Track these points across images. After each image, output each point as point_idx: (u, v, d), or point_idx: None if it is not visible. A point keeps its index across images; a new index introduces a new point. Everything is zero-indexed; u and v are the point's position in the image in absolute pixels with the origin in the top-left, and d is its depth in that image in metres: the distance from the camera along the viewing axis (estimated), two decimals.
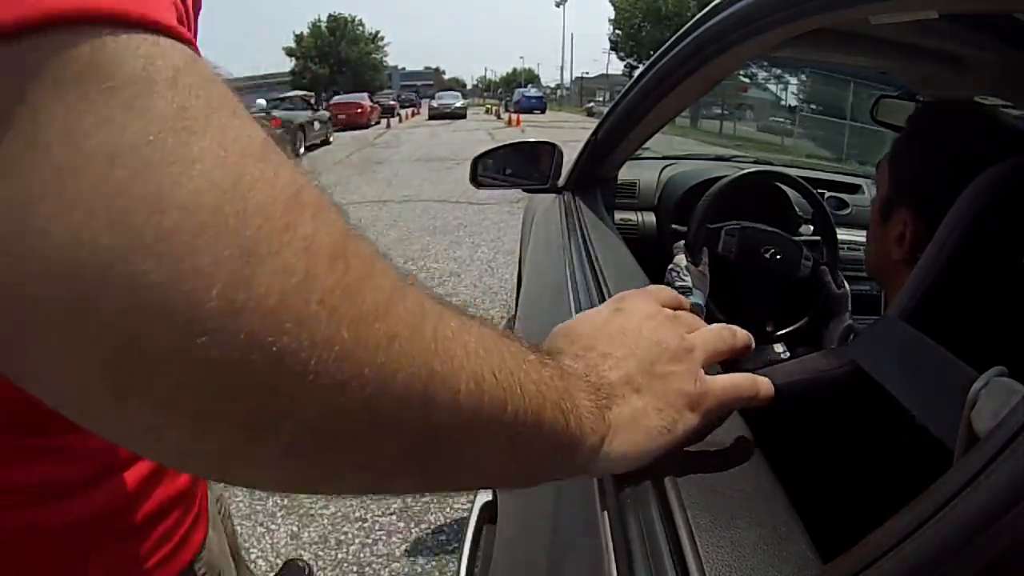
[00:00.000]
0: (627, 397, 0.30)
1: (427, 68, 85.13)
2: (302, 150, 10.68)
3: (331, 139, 13.27)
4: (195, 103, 0.18)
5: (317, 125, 12.14)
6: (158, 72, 0.17)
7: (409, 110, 30.80)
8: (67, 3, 0.16)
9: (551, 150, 1.36)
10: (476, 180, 1.42)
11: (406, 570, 1.53)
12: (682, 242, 1.25)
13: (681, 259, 1.19)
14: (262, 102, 11.72)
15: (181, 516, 0.41)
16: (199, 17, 0.33)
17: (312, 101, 13.80)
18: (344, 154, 10.95)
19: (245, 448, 0.19)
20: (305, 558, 1.60)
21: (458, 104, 25.45)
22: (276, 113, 10.42)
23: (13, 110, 0.16)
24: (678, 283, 1.14)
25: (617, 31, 36.00)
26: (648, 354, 0.31)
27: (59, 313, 0.16)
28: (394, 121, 21.74)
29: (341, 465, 0.21)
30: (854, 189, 1.82)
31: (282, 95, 15.41)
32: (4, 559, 0.33)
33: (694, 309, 1.07)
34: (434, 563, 1.55)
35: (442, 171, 8.52)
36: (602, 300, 0.73)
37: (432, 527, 1.66)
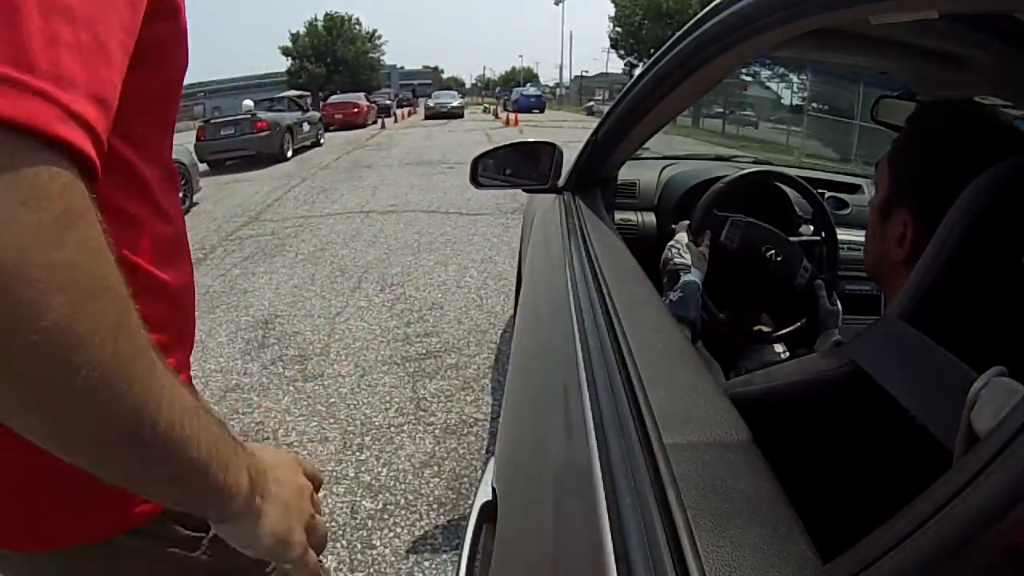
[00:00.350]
0: (275, 501, 0.44)
1: (426, 67, 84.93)
2: (290, 153, 10.30)
3: (322, 141, 12.75)
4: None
5: (307, 127, 11.67)
6: None
7: (405, 110, 30.30)
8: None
9: (551, 150, 1.36)
10: (476, 180, 1.42)
11: (407, 570, 1.53)
12: (685, 221, 1.26)
13: (683, 236, 1.19)
14: (249, 103, 10.90)
15: None
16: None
17: (302, 102, 13.14)
18: (333, 157, 10.46)
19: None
20: None
21: (455, 103, 24.68)
22: (262, 115, 9.87)
23: None
24: (677, 259, 1.14)
25: (617, 28, 35.89)
26: (295, 495, 0.47)
27: None
28: (389, 121, 21.05)
29: (74, 418, 0.29)
30: (854, 189, 1.83)
31: (271, 96, 14.90)
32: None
33: (690, 286, 1.08)
34: (434, 563, 1.55)
35: (433, 176, 7.97)
36: (602, 300, 0.73)
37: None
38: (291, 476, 0.47)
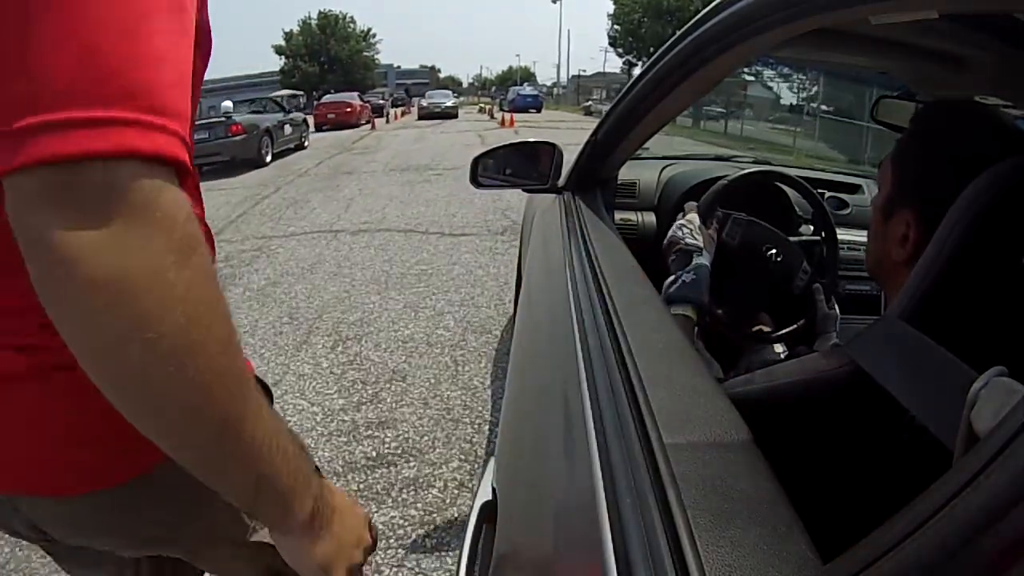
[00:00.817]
0: (332, 538, 0.49)
1: (423, 67, 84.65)
2: (269, 158, 9.58)
3: (306, 143, 12.02)
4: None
5: (289, 129, 10.88)
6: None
7: (399, 109, 29.51)
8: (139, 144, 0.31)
9: (551, 150, 1.36)
10: (476, 180, 1.42)
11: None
12: (695, 203, 1.25)
13: (695, 217, 1.18)
14: (228, 104, 10.11)
15: None
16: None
17: (284, 102, 12.33)
18: (314, 162, 9.70)
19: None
20: None
21: (449, 103, 23.71)
22: (238, 118, 9.12)
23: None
24: (689, 240, 1.13)
25: (616, 26, 35.75)
26: (351, 542, 0.52)
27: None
28: (380, 122, 20.13)
29: (172, 411, 0.35)
30: (854, 189, 1.83)
31: (258, 96, 14.17)
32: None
33: (702, 269, 1.07)
34: (434, 563, 1.55)
35: (416, 185, 7.11)
36: (602, 300, 0.73)
37: None
38: (356, 525, 0.53)
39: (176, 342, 0.32)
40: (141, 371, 0.33)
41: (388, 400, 2.35)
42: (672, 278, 1.09)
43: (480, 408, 2.28)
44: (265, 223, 5.47)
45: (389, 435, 2.13)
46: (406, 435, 2.12)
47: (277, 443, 0.41)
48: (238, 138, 8.89)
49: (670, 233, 1.18)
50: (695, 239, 1.13)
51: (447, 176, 7.61)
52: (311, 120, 18.31)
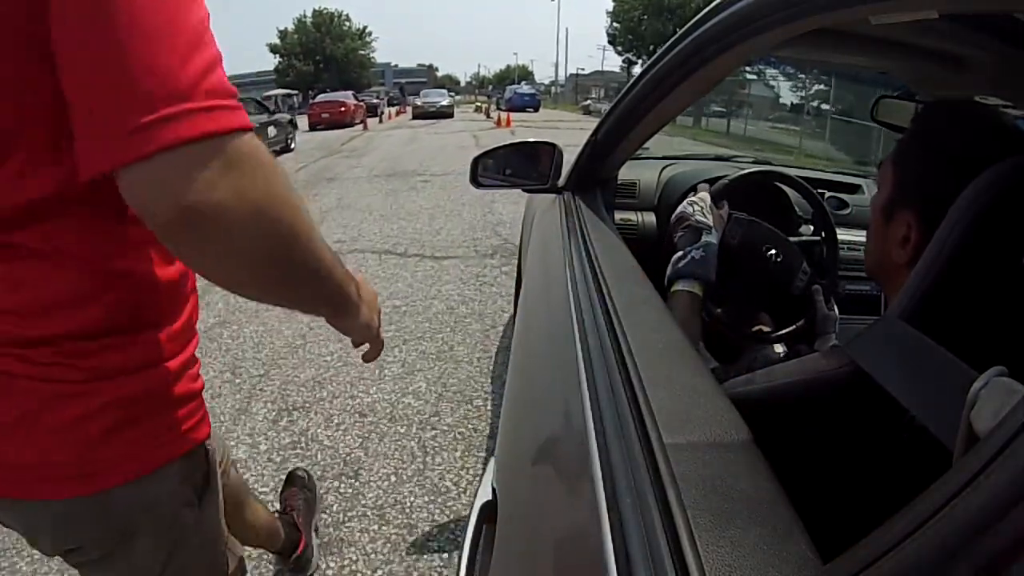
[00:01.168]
0: (367, 304, 0.69)
1: (420, 65, 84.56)
2: None
3: (292, 145, 11.63)
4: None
5: (272, 131, 10.44)
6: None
7: (394, 109, 29.13)
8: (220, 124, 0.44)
9: (551, 150, 1.36)
10: (476, 180, 1.43)
11: (407, 570, 1.53)
12: (707, 183, 1.25)
13: (706, 196, 1.18)
14: None
15: (200, 405, 0.67)
16: None
17: (278, 101, 11.87)
18: (297, 166, 9.04)
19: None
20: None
21: (444, 102, 23.45)
22: None
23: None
24: (699, 217, 1.13)
25: (615, 24, 35.61)
26: (373, 303, 0.71)
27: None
28: (373, 122, 19.76)
29: (271, 268, 0.50)
30: (854, 189, 1.83)
31: (243, 97, 13.73)
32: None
33: (711, 247, 1.07)
34: (434, 563, 1.55)
35: (402, 194, 6.54)
36: (602, 300, 0.73)
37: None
38: (369, 291, 0.71)
39: (293, 218, 0.49)
40: (286, 246, 0.49)
41: (334, 508, 1.75)
42: (681, 253, 1.09)
43: (453, 525, 1.67)
44: None
45: (332, 568, 1.54)
46: (353, 568, 1.54)
47: (339, 266, 0.58)
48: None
49: (679, 209, 1.17)
50: (705, 217, 1.13)
51: (435, 183, 7.19)
52: (305, 120, 18.07)
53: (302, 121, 16.86)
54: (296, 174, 8.34)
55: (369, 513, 1.73)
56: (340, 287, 0.59)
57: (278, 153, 10.56)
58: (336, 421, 2.22)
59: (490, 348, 2.79)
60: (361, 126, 18.04)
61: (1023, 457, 0.23)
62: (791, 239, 1.27)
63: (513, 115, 19.91)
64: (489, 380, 2.47)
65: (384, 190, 6.83)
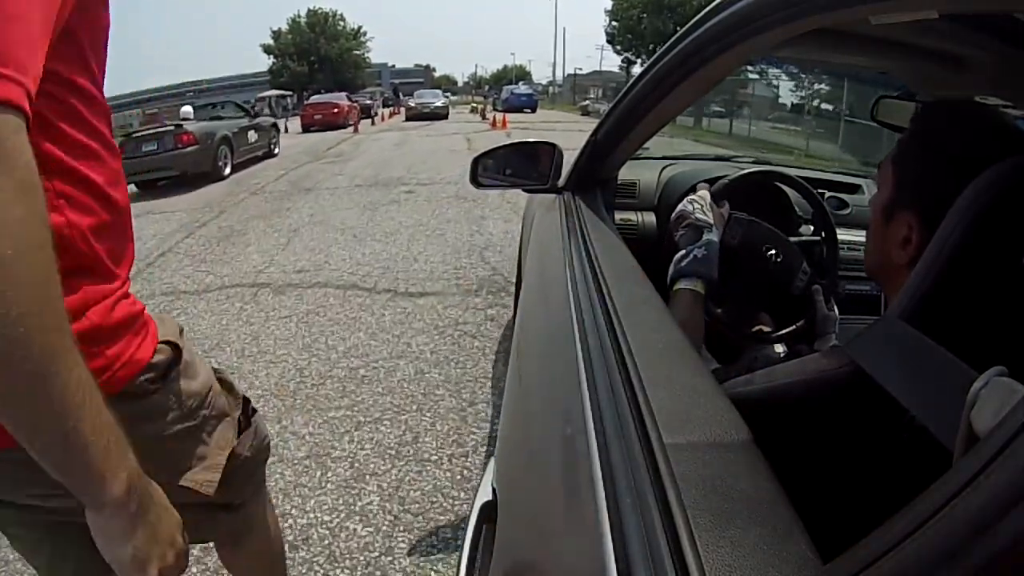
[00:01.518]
0: (148, 527, 0.48)
1: (417, 66, 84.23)
2: (228, 170, 8.42)
3: (276, 150, 10.83)
4: None
5: (253, 135, 9.64)
6: None
7: (388, 110, 28.36)
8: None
9: (551, 150, 1.36)
10: (476, 180, 1.43)
11: (407, 570, 1.53)
12: (707, 183, 1.25)
13: (707, 195, 1.18)
14: (187, 110, 9.19)
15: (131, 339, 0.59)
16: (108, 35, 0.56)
17: (249, 107, 10.92)
18: (276, 175, 8.48)
19: None
20: None
21: (439, 103, 22.45)
22: (191, 127, 7.85)
23: None
24: (700, 215, 1.13)
25: (614, 23, 35.45)
26: (167, 539, 0.51)
27: None
28: (365, 124, 18.55)
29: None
30: (854, 189, 1.83)
31: (215, 101, 12.89)
32: None
33: (713, 245, 1.07)
34: (434, 563, 1.55)
35: (381, 208, 5.86)
36: (602, 300, 0.73)
37: None
38: (172, 523, 0.51)
39: (34, 272, 0.34)
40: (9, 317, 0.33)
41: None
42: (683, 252, 1.09)
43: None
44: (184, 267, 4.25)
45: None
46: None
47: (91, 399, 0.39)
48: (189, 149, 7.67)
49: (679, 207, 1.17)
50: (705, 215, 1.13)
51: (420, 194, 6.52)
52: (298, 121, 17.66)
53: (295, 123, 16.27)
54: (274, 183, 7.80)
55: None
56: (88, 450, 0.40)
57: (261, 159, 10.12)
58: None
59: (466, 440, 2.03)
60: (352, 129, 17.17)
61: (1023, 457, 0.23)
62: (791, 239, 1.27)
63: (510, 116, 19.32)
64: (463, 491, 1.79)
65: (362, 203, 6.15)
